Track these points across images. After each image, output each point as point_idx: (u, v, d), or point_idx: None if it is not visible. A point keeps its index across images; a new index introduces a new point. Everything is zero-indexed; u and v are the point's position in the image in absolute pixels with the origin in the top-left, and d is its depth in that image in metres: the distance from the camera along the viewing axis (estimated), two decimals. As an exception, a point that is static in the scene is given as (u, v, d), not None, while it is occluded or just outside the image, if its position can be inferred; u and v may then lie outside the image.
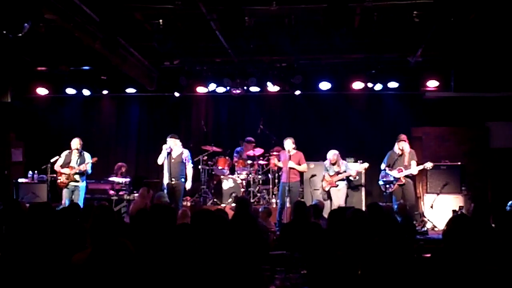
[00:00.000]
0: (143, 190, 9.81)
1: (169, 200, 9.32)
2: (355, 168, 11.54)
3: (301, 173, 11.60)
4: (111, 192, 12.10)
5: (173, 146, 11.05)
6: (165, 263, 3.99)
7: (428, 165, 10.95)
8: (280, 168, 11.50)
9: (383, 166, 11.14)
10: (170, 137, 11.18)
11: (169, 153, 11.00)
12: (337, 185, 11.40)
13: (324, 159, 11.98)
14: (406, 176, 10.84)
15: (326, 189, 11.47)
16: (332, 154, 11.43)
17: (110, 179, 12.46)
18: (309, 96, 13.49)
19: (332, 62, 12.44)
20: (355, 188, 12.04)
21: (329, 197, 11.35)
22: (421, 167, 10.89)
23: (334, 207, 10.44)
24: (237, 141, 13.20)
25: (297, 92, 12.82)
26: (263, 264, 4.74)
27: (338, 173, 11.42)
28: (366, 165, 11.50)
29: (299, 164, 11.07)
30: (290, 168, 10.90)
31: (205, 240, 4.53)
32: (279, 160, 11.43)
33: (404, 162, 10.87)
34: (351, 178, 11.52)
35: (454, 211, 10.53)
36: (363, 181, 12.16)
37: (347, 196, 11.49)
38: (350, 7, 8.03)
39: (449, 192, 11.76)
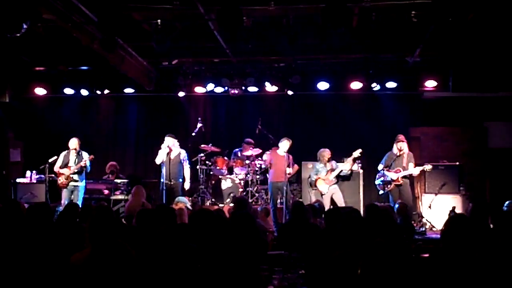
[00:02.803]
0: (136, 189, 9.80)
1: (188, 204, 9.07)
2: (346, 167, 11.57)
3: (299, 173, 11.71)
4: (109, 192, 12.09)
5: (172, 145, 11.09)
6: (164, 262, 3.99)
7: (427, 167, 10.96)
8: (267, 168, 11.48)
9: (380, 166, 11.15)
10: (168, 136, 11.21)
11: (167, 153, 11.04)
12: (335, 182, 11.44)
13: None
14: (404, 177, 10.86)
15: (325, 191, 11.41)
16: (327, 150, 11.49)
17: (108, 179, 12.46)
18: (307, 96, 13.49)
19: (330, 62, 12.44)
20: (353, 188, 12.04)
21: (331, 201, 11.36)
22: (420, 168, 10.90)
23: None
24: (236, 141, 13.20)
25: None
26: (261, 264, 4.74)
27: (331, 170, 11.43)
28: (359, 150, 11.43)
29: (289, 166, 11.09)
30: (288, 173, 10.96)
31: (203, 240, 4.53)
32: (270, 161, 11.39)
33: (403, 163, 10.88)
34: (344, 172, 11.54)
35: (450, 212, 10.55)
36: (361, 181, 12.15)
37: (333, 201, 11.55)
38: (348, 7, 8.02)
39: (448, 192, 11.77)
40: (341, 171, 11.52)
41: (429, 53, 11.58)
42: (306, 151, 12.85)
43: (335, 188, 11.44)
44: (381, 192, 11.12)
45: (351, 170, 11.76)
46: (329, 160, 11.48)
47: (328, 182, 11.41)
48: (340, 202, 11.19)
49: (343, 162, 12.03)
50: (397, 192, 10.85)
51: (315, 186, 11.53)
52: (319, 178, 11.48)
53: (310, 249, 5.27)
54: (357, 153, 11.38)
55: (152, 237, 4.84)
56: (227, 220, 6.00)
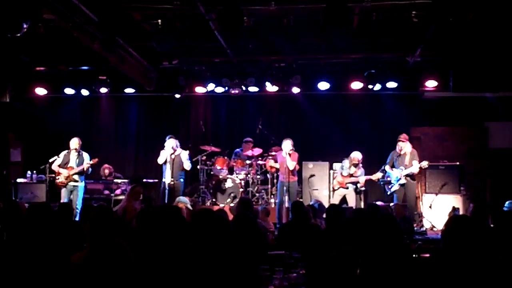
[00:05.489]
0: (129, 191, 9.73)
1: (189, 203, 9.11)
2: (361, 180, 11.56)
3: (299, 173, 11.69)
4: (109, 192, 12.09)
5: (174, 146, 11.13)
6: (164, 262, 3.99)
7: (424, 163, 10.94)
8: (277, 169, 11.51)
9: (387, 168, 11.16)
10: (171, 138, 11.25)
11: (170, 154, 11.08)
12: (348, 187, 11.45)
13: (324, 158, 12.03)
14: (407, 176, 10.85)
15: (336, 188, 11.52)
16: (357, 156, 11.47)
17: (108, 179, 12.47)
18: (308, 96, 13.50)
19: (331, 62, 12.43)
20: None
21: (342, 200, 11.40)
22: (417, 165, 10.89)
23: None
24: (236, 141, 13.20)
25: (296, 90, 12.74)
26: (262, 264, 4.74)
27: (351, 175, 11.45)
28: (380, 175, 11.44)
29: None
30: (289, 169, 10.92)
31: (205, 239, 4.52)
32: (275, 162, 11.47)
33: (405, 161, 10.89)
34: (358, 185, 11.54)
35: (451, 212, 10.57)
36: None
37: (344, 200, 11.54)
38: (349, 7, 8.02)
39: (448, 192, 11.77)
40: (357, 183, 11.52)
41: (430, 53, 11.58)
42: (307, 151, 12.85)
43: (347, 191, 11.48)
44: (388, 192, 11.14)
45: (364, 186, 11.74)
46: (356, 165, 11.46)
47: (341, 183, 11.49)
48: (350, 204, 11.23)
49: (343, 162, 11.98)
50: (402, 192, 10.87)
51: (334, 178, 11.79)
52: (337, 175, 11.67)
53: (311, 249, 5.26)
54: (376, 177, 11.41)
55: (154, 236, 4.84)
56: (229, 220, 5.99)
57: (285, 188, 10.83)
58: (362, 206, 11.49)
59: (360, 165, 11.52)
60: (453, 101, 12.92)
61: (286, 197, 10.80)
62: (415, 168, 10.84)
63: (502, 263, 4.07)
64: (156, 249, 4.35)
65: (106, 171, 12.74)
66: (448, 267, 3.88)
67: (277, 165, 11.35)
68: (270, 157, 11.97)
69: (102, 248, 4.01)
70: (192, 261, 3.92)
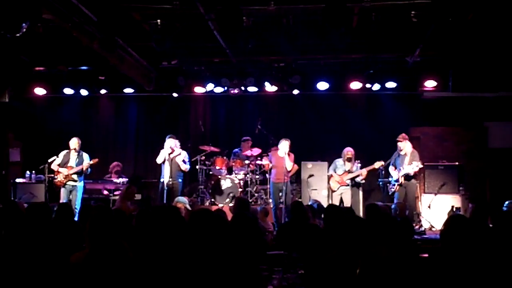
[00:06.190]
0: (123, 190, 9.69)
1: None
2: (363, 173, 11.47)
3: (298, 173, 11.70)
4: (108, 192, 12.09)
5: (174, 146, 11.12)
6: (163, 262, 3.99)
7: (418, 164, 10.92)
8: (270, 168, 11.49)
9: (390, 168, 11.15)
10: (170, 137, 11.24)
11: (169, 153, 11.07)
12: (348, 184, 11.38)
13: (323, 159, 11.98)
14: (406, 176, 10.83)
15: (335, 188, 11.43)
16: (350, 149, 11.41)
17: (108, 179, 12.47)
18: (307, 96, 13.50)
19: (330, 62, 12.44)
20: (353, 188, 12.02)
21: (340, 200, 11.35)
22: (413, 164, 10.88)
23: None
24: (235, 141, 13.21)
25: (296, 91, 12.78)
26: (260, 264, 4.74)
27: (348, 171, 11.39)
28: (381, 163, 11.38)
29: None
30: (288, 170, 10.92)
31: (203, 239, 4.52)
32: (270, 162, 11.42)
33: (404, 162, 10.86)
34: (359, 179, 11.49)
35: (450, 211, 10.58)
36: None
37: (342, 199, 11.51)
38: (348, 7, 8.03)
39: (447, 192, 11.78)
40: (357, 176, 11.47)
41: (429, 53, 11.58)
42: (306, 151, 12.85)
43: (346, 189, 11.42)
44: (390, 193, 11.13)
45: (364, 179, 11.69)
46: (350, 160, 11.40)
47: (340, 182, 11.40)
48: (346, 203, 11.19)
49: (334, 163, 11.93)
50: (403, 191, 10.85)
51: (328, 181, 11.60)
52: (333, 175, 11.52)
53: (310, 249, 5.26)
54: (378, 165, 11.35)
55: (153, 236, 4.84)
56: (227, 220, 5.99)
57: (284, 188, 10.82)
58: (362, 206, 11.49)
59: (353, 159, 11.47)
60: (452, 101, 12.92)
61: (283, 198, 10.80)
62: (410, 169, 10.78)
63: (501, 263, 4.07)
64: (155, 249, 4.35)
65: (117, 168, 12.77)
66: (447, 267, 3.88)
67: (266, 162, 11.31)
68: (263, 161, 11.91)
69: (101, 248, 4.01)
70: (191, 261, 3.92)
